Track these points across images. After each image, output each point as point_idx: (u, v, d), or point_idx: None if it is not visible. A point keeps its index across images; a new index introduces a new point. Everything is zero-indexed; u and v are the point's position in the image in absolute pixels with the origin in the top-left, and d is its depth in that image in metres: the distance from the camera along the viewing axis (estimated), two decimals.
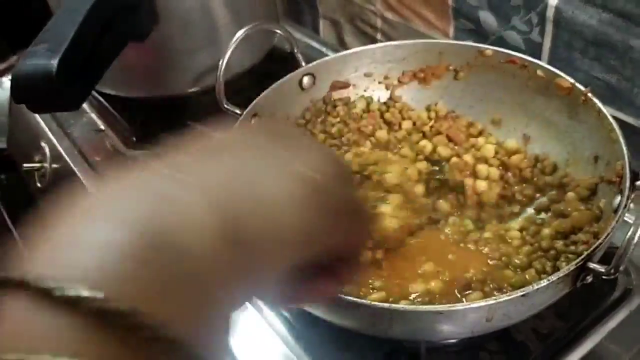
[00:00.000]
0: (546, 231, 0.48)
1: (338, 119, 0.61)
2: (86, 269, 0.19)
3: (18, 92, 0.46)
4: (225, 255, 0.22)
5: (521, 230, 0.50)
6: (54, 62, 0.45)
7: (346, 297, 0.42)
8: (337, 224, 0.28)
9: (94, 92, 0.72)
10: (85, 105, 0.75)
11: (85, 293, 0.18)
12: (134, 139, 0.72)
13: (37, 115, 0.76)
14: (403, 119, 0.61)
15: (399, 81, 0.62)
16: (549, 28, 0.61)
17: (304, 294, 0.31)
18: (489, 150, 0.57)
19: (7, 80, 0.89)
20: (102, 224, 0.20)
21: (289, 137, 0.29)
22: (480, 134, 0.59)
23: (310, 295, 0.32)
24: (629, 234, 0.37)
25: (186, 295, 0.20)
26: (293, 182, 0.25)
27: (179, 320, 0.20)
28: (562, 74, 0.53)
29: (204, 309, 0.21)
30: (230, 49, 0.48)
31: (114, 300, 0.18)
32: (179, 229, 0.21)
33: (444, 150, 0.57)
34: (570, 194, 0.51)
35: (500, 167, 0.56)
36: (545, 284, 0.37)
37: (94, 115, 0.76)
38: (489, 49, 0.58)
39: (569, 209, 0.50)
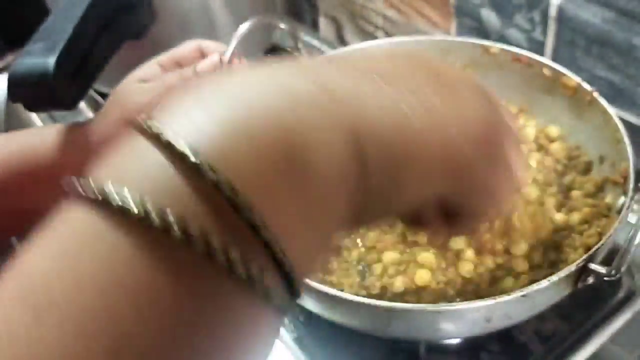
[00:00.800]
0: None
1: None
2: (208, 133, 0.18)
3: (14, 90, 0.46)
4: (349, 182, 0.20)
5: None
6: (51, 61, 0.44)
7: (346, 296, 0.42)
8: (490, 176, 0.26)
9: (91, 91, 0.72)
10: (82, 104, 0.75)
11: (192, 148, 0.17)
12: None
13: (33, 114, 0.76)
14: None
15: None
16: (552, 26, 0.60)
17: (412, 222, 0.29)
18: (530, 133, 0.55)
19: (3, 79, 0.89)
20: (237, 99, 0.19)
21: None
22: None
23: (417, 225, 0.30)
24: (631, 234, 0.36)
25: (304, 198, 0.19)
26: (451, 125, 0.24)
27: (288, 226, 0.18)
28: (568, 73, 0.53)
29: (316, 222, 0.20)
30: (234, 43, 0.47)
31: (221, 172, 0.17)
32: (312, 143, 0.19)
33: None
34: (576, 192, 0.50)
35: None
36: (545, 284, 0.37)
37: (91, 114, 0.76)
38: (494, 46, 0.57)
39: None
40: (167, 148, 0.17)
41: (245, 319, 0.17)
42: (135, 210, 0.16)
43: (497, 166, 0.27)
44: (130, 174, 0.17)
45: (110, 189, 0.16)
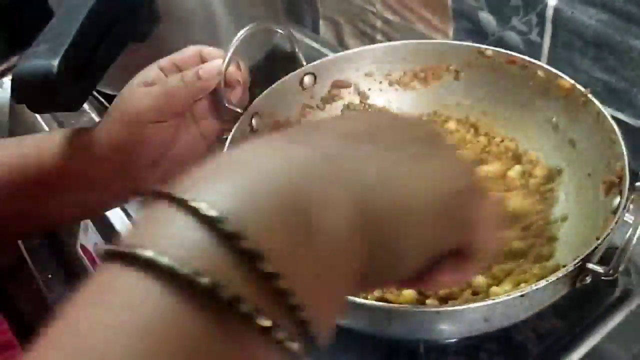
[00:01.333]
0: None
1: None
2: (232, 200, 0.19)
3: (18, 92, 0.46)
4: (355, 246, 0.22)
5: None
6: (55, 63, 0.45)
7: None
8: (474, 233, 0.28)
9: (94, 92, 0.72)
10: (85, 106, 0.75)
11: (223, 217, 0.18)
12: None
13: (37, 115, 0.76)
14: None
15: (400, 81, 0.62)
16: (549, 28, 0.61)
17: (427, 283, 0.30)
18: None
19: (7, 81, 0.89)
20: (254, 172, 0.20)
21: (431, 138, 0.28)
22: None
23: (434, 284, 0.31)
24: (629, 234, 0.37)
25: (314, 263, 0.20)
26: (439, 190, 0.25)
27: (301, 284, 0.19)
28: (562, 74, 0.53)
29: (327, 285, 0.21)
30: (233, 48, 0.48)
31: (249, 239, 0.18)
32: (319, 203, 0.21)
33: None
34: None
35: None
36: (543, 284, 0.37)
37: (94, 115, 0.76)
38: (489, 49, 0.58)
39: None
40: (200, 217, 0.19)
41: None
42: (180, 273, 0.17)
43: (482, 201, 0.28)
44: (170, 242, 0.19)
45: (155, 255, 0.18)
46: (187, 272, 0.17)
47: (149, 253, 0.18)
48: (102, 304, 0.18)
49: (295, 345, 0.19)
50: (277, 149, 0.22)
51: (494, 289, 0.45)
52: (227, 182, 0.20)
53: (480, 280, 0.46)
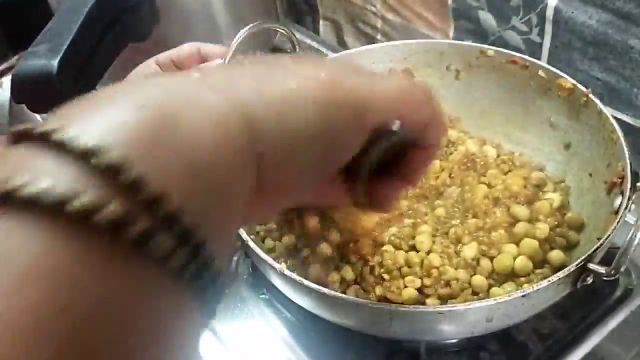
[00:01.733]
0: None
1: None
2: (102, 131, 0.17)
3: (18, 92, 0.46)
4: (243, 157, 0.21)
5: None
6: (54, 63, 0.45)
7: (347, 297, 0.42)
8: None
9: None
10: None
11: (98, 145, 0.17)
12: None
13: (37, 115, 0.76)
14: None
15: None
16: (549, 28, 0.61)
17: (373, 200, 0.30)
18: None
19: (7, 81, 0.89)
20: (121, 103, 0.19)
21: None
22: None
23: (382, 200, 0.31)
24: (630, 234, 0.37)
25: (198, 176, 0.19)
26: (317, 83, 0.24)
27: (189, 204, 0.18)
28: (563, 74, 0.53)
29: (217, 203, 0.19)
30: (233, 48, 0.48)
31: (128, 162, 0.17)
32: (196, 119, 0.19)
33: None
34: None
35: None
36: (545, 284, 0.37)
37: None
38: (490, 49, 0.58)
39: None
40: (67, 149, 0.17)
41: (172, 308, 0.17)
42: (51, 200, 0.16)
43: (385, 78, 0.28)
44: (35, 174, 0.17)
45: (22, 185, 0.16)
46: (57, 198, 0.15)
47: (10, 186, 0.16)
48: None
49: (194, 272, 0.17)
50: (156, 82, 0.21)
51: (496, 290, 0.45)
52: (88, 114, 0.18)
53: (478, 279, 0.46)
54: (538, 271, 0.45)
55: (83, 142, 0.17)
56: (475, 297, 0.45)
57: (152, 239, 0.16)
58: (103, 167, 0.16)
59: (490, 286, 0.46)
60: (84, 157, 0.17)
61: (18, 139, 0.18)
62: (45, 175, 0.16)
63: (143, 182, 0.17)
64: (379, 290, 0.45)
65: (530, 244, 0.46)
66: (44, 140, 0.17)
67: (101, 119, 0.18)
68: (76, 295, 0.15)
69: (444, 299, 0.45)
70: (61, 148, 0.17)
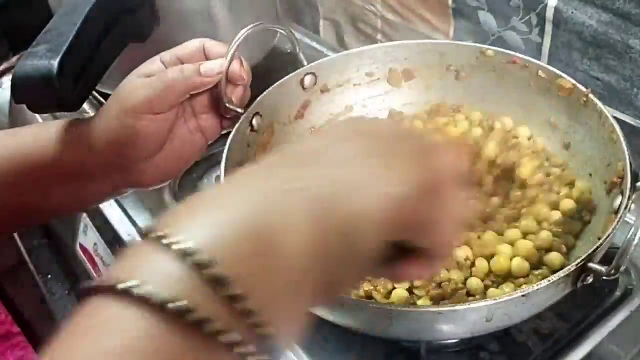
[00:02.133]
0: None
1: None
2: (202, 234, 0.22)
3: (18, 92, 0.46)
4: (315, 265, 0.25)
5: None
6: (54, 63, 0.45)
7: (347, 297, 0.42)
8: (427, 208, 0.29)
9: (94, 92, 0.72)
10: (85, 105, 0.75)
11: (195, 249, 0.21)
12: None
13: (37, 115, 0.76)
14: None
15: (400, 81, 0.62)
16: (549, 28, 0.61)
17: (392, 276, 0.33)
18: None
19: (7, 81, 0.89)
20: (222, 210, 0.24)
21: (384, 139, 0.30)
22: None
23: (399, 277, 0.34)
24: (630, 234, 0.37)
25: (276, 284, 0.23)
26: (390, 194, 0.27)
27: (264, 303, 0.22)
28: (563, 74, 0.53)
29: (289, 301, 0.24)
30: (234, 48, 0.48)
31: (218, 266, 0.21)
32: (281, 230, 0.24)
33: None
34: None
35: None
36: (545, 284, 0.37)
37: None
38: (490, 49, 0.58)
39: None
40: (174, 251, 0.22)
41: None
42: (156, 300, 0.20)
43: (439, 203, 0.30)
44: (149, 274, 0.22)
45: (135, 286, 0.21)
46: (162, 299, 0.20)
47: (130, 284, 0.20)
48: (93, 331, 0.20)
49: (258, 358, 0.21)
50: (242, 187, 0.26)
51: (493, 291, 0.45)
52: (199, 219, 0.23)
53: (474, 282, 0.46)
54: (537, 272, 0.46)
55: (197, 254, 0.21)
56: (470, 298, 0.45)
57: (225, 334, 0.21)
58: (206, 279, 0.21)
59: (486, 287, 0.46)
60: (199, 267, 0.21)
61: (145, 236, 0.23)
62: (154, 278, 0.21)
63: (237, 296, 0.21)
64: (366, 286, 0.46)
65: (524, 244, 0.46)
66: (157, 242, 0.22)
67: (209, 230, 0.23)
68: None
69: (435, 300, 0.45)
70: (175, 254, 0.21)
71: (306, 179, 0.27)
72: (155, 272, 0.22)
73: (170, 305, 0.20)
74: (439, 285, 0.46)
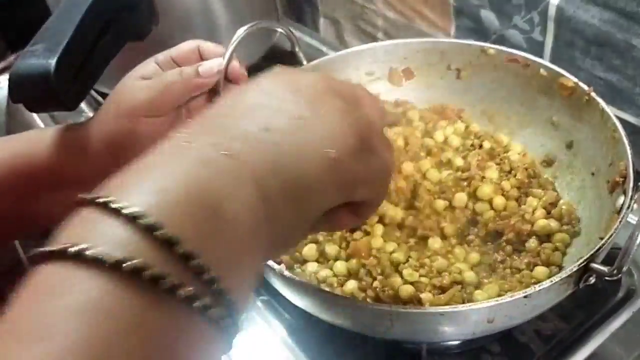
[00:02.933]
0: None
1: None
2: (149, 200, 0.23)
3: (15, 91, 0.46)
4: (259, 225, 0.26)
5: None
6: (52, 62, 0.44)
7: (347, 297, 0.42)
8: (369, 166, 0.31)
9: (92, 91, 0.72)
10: (83, 105, 0.75)
11: (141, 212, 0.22)
12: None
13: (35, 115, 0.76)
14: None
15: (401, 80, 0.62)
16: (551, 27, 0.61)
17: (325, 226, 0.34)
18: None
19: (4, 80, 0.89)
20: (168, 175, 0.24)
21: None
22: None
23: (332, 227, 0.36)
24: (632, 234, 0.36)
25: (223, 244, 0.24)
26: (327, 154, 0.28)
27: (214, 261, 0.23)
28: (565, 73, 0.53)
29: (238, 259, 0.25)
30: (232, 47, 0.47)
31: (167, 228, 0.22)
32: (226, 198, 0.24)
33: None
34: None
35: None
36: (547, 285, 0.37)
37: (92, 115, 0.75)
38: (491, 47, 0.57)
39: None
40: (123, 215, 0.22)
41: (197, 338, 0.22)
42: (109, 261, 0.20)
43: (374, 157, 0.32)
44: (99, 238, 0.22)
45: (87, 250, 0.21)
46: (116, 259, 0.20)
47: (82, 247, 0.21)
48: (50, 292, 0.20)
49: (215, 311, 0.22)
50: (186, 151, 0.26)
51: (478, 293, 0.45)
52: (145, 185, 0.24)
53: (470, 275, 0.46)
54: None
55: (146, 217, 0.22)
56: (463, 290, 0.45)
57: (181, 289, 0.21)
58: (158, 239, 0.22)
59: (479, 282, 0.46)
60: (149, 230, 0.22)
61: (81, 204, 0.23)
62: (105, 240, 0.21)
63: (189, 254, 0.22)
64: (372, 292, 0.46)
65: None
66: (103, 207, 0.22)
67: (155, 196, 0.23)
68: (127, 325, 0.20)
69: (437, 289, 0.45)
70: (125, 218, 0.22)
71: (248, 141, 0.27)
72: (105, 235, 0.22)
73: (124, 265, 0.20)
74: (439, 274, 0.46)
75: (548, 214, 0.50)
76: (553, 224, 0.49)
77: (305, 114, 0.29)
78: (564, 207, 0.51)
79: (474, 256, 0.49)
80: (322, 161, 0.28)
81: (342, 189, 0.30)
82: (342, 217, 0.33)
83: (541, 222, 0.49)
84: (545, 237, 0.49)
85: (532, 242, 0.48)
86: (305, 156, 0.28)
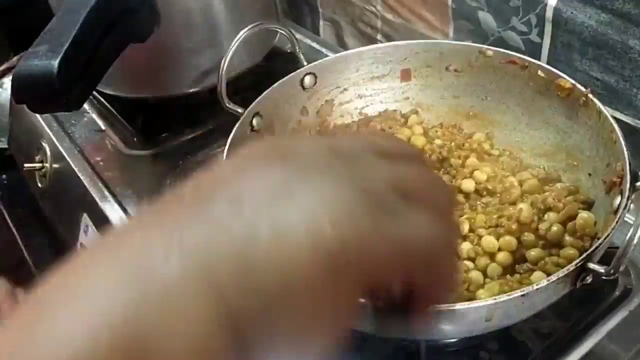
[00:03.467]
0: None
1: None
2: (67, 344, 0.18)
3: (19, 92, 0.46)
4: (223, 344, 0.20)
5: None
6: (55, 63, 0.45)
7: None
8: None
9: (94, 92, 0.72)
10: (86, 106, 0.75)
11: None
12: (135, 139, 0.72)
13: (38, 116, 0.76)
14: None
15: (400, 81, 0.62)
16: (548, 29, 0.61)
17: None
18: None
19: (8, 81, 0.89)
20: (94, 306, 0.19)
21: (300, 158, 0.23)
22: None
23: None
24: (629, 234, 0.37)
25: None
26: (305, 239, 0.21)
27: None
28: (562, 74, 0.53)
29: None
30: (233, 49, 0.48)
31: None
32: (163, 328, 0.19)
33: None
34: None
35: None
36: (545, 283, 0.37)
37: (94, 116, 0.76)
38: (490, 49, 0.58)
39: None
40: None
41: None
42: None
43: (403, 221, 0.24)
44: None
45: None
46: None
47: None
48: None
49: None
50: (114, 275, 0.20)
51: (481, 292, 0.45)
52: (66, 319, 0.19)
53: (475, 274, 0.46)
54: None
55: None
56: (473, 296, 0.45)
57: None
58: None
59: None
60: None
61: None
62: None
63: None
64: None
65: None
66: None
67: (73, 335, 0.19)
68: None
69: None
70: None
71: (201, 248, 0.20)
72: None
73: None
74: None
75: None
76: (568, 237, 0.47)
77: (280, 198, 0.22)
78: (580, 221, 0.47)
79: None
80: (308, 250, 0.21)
81: (342, 275, 0.22)
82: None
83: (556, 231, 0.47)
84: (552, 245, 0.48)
85: (533, 252, 0.47)
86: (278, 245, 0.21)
